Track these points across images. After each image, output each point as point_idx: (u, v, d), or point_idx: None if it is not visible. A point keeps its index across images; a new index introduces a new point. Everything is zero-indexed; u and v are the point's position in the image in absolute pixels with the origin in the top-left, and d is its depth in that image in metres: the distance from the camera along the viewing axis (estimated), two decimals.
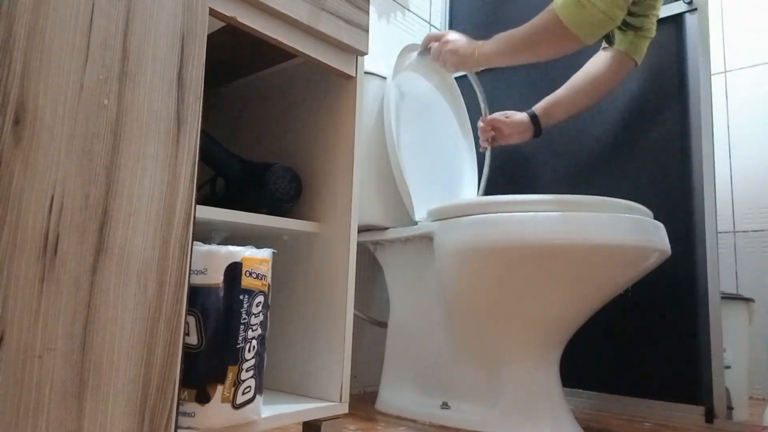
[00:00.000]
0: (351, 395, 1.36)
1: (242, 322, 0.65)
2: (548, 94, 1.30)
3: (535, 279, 0.95)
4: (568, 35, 1.01)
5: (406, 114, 1.27)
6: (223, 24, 0.79)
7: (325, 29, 0.78)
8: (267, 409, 0.72)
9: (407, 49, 1.28)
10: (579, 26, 0.99)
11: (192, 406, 0.62)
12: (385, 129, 1.19)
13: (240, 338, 0.64)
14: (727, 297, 1.26)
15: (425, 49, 1.24)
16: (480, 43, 1.14)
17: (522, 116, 1.30)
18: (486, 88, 1.61)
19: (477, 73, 1.39)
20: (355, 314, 1.34)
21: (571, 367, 1.32)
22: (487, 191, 1.51)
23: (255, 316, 0.66)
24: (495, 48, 1.11)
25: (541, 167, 1.46)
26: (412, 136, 1.27)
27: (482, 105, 1.38)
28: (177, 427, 0.58)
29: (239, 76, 1.02)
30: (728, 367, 1.23)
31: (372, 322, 1.36)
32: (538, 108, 1.30)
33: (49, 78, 0.50)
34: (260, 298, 0.67)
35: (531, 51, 1.08)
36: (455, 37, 1.18)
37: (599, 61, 1.26)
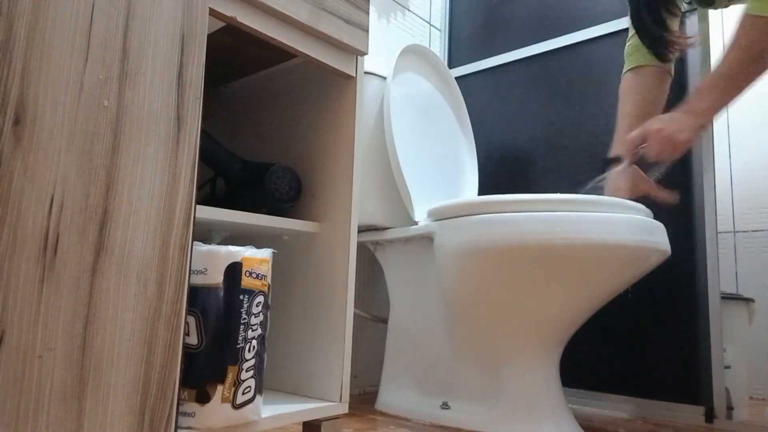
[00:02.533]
0: (351, 395, 1.36)
1: (242, 322, 0.65)
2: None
3: (535, 279, 0.95)
4: None
5: (407, 114, 1.27)
6: (223, 24, 0.79)
7: (325, 29, 0.78)
8: (267, 409, 0.72)
9: (407, 49, 1.28)
10: None
11: (192, 406, 0.62)
12: (385, 129, 1.19)
13: (240, 338, 0.64)
14: (727, 297, 1.26)
15: (631, 158, 1.05)
16: (688, 108, 0.99)
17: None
18: (487, 87, 1.61)
19: None
20: (355, 312, 1.34)
21: (571, 367, 1.32)
22: (486, 192, 1.52)
23: (255, 316, 0.66)
24: (712, 96, 0.97)
25: (541, 167, 1.46)
26: (413, 136, 1.27)
27: None
28: (177, 427, 0.58)
29: (239, 76, 1.02)
30: (728, 367, 1.23)
31: (373, 319, 1.36)
32: None
33: (49, 78, 0.50)
34: (260, 298, 0.67)
35: (758, 65, 0.94)
36: (661, 120, 1.01)
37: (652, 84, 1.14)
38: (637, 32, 1.13)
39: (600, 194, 1.07)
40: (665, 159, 1.02)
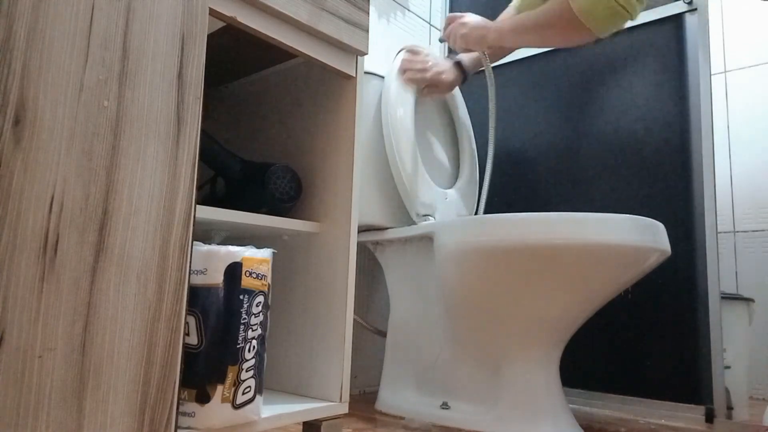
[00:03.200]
0: (351, 395, 1.36)
1: (242, 322, 0.65)
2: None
3: (535, 279, 0.95)
4: (580, 27, 0.95)
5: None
6: (223, 24, 0.79)
7: (325, 29, 0.78)
8: (267, 409, 0.72)
9: (407, 49, 1.28)
10: (592, 18, 0.93)
11: (192, 406, 0.62)
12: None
13: (240, 338, 0.64)
14: (727, 297, 1.26)
15: (445, 33, 1.25)
16: (494, 22, 1.13)
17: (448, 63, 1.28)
18: (486, 88, 1.61)
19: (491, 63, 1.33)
20: (354, 319, 1.34)
21: (571, 367, 1.32)
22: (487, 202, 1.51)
23: (255, 316, 0.66)
24: (506, 26, 1.10)
25: (540, 167, 1.46)
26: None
27: (491, 90, 1.31)
28: (177, 427, 0.58)
29: (239, 76, 1.02)
30: (728, 367, 1.23)
31: (372, 330, 1.36)
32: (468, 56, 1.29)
33: (49, 78, 0.50)
34: (260, 298, 0.67)
35: (540, 36, 1.04)
36: (471, 18, 1.17)
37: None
38: None
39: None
40: (450, 44, 1.23)
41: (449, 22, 1.22)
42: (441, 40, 1.30)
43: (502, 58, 1.32)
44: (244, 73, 1.01)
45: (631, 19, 0.95)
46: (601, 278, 0.95)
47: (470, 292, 1.03)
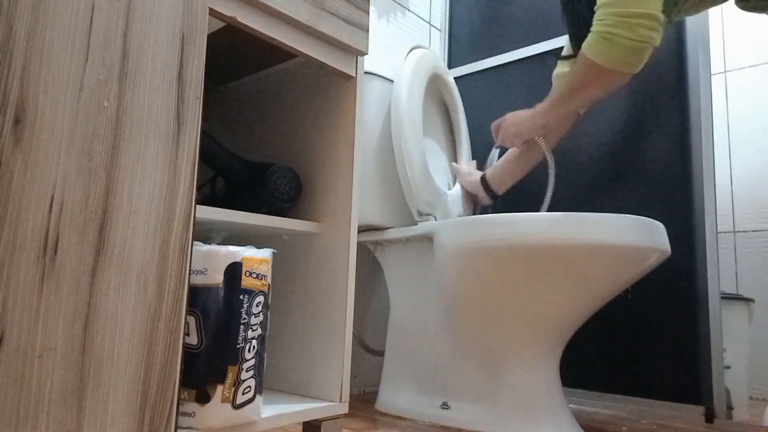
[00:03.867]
0: (351, 395, 1.36)
1: (242, 322, 0.65)
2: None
3: (535, 279, 0.95)
4: (609, 73, 0.98)
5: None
6: (223, 24, 0.79)
7: (325, 29, 0.78)
8: (267, 409, 0.72)
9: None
10: (614, 62, 0.96)
11: (192, 406, 0.62)
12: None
13: (240, 338, 0.64)
14: (727, 297, 1.26)
15: (498, 141, 1.24)
16: (537, 107, 1.14)
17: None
18: (486, 88, 1.61)
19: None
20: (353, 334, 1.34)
21: (571, 367, 1.32)
22: None
23: (255, 316, 0.66)
24: (548, 105, 1.11)
25: (540, 167, 1.46)
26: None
27: (551, 171, 1.26)
28: (177, 427, 0.58)
29: (239, 76, 1.02)
30: (728, 367, 1.23)
31: (369, 351, 1.37)
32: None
33: (49, 78, 0.50)
34: (260, 298, 0.67)
35: (581, 97, 1.06)
36: (513, 116, 1.18)
37: None
38: (570, 17, 1.15)
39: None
40: (507, 146, 1.23)
41: (495, 130, 1.23)
42: (497, 148, 1.30)
43: (564, 132, 1.25)
44: (244, 73, 1.01)
45: (655, 45, 0.96)
46: (601, 278, 0.95)
47: (470, 292, 1.03)
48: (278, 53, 0.91)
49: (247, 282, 0.66)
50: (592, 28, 0.97)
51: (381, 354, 1.32)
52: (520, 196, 1.48)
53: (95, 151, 0.53)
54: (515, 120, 1.18)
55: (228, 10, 0.66)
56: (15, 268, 0.47)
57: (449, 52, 1.75)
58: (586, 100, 1.08)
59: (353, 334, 1.33)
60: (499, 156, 1.33)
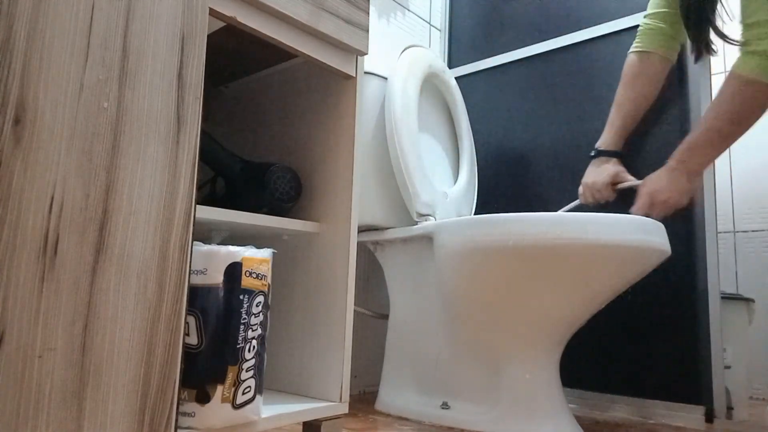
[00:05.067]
0: (351, 395, 1.36)
1: (242, 322, 0.65)
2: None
3: (535, 279, 0.95)
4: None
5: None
6: (223, 24, 0.79)
7: (325, 29, 0.78)
8: (267, 409, 0.72)
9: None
10: None
11: (192, 406, 0.62)
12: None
13: (240, 338, 0.64)
14: (727, 297, 1.26)
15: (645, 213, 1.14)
16: (677, 165, 1.06)
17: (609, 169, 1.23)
18: (487, 87, 1.61)
19: None
20: (355, 310, 1.34)
21: (571, 367, 1.32)
22: (485, 192, 1.51)
23: (255, 316, 0.66)
24: (702, 152, 1.04)
25: (540, 167, 1.46)
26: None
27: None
28: (177, 427, 0.58)
29: (239, 76, 1.02)
30: (728, 367, 1.23)
31: (374, 315, 1.36)
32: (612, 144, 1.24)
33: (49, 78, 0.50)
34: (260, 298, 0.67)
35: (743, 127, 1.00)
36: (657, 188, 1.09)
37: (653, 74, 1.20)
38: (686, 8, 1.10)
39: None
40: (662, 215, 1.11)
41: (644, 213, 1.12)
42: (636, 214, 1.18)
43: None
44: (244, 73, 1.01)
45: None
46: (602, 278, 0.95)
47: (470, 292, 1.03)
48: (278, 53, 0.91)
49: (247, 282, 0.66)
50: (748, 48, 0.93)
51: (385, 317, 1.32)
52: (521, 196, 1.48)
53: (95, 150, 0.53)
54: (672, 190, 1.07)
55: (228, 10, 0.66)
56: (15, 268, 0.47)
57: (449, 52, 1.75)
58: (744, 131, 1.00)
59: (360, 310, 1.33)
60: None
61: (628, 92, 1.23)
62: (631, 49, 1.24)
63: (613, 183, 1.24)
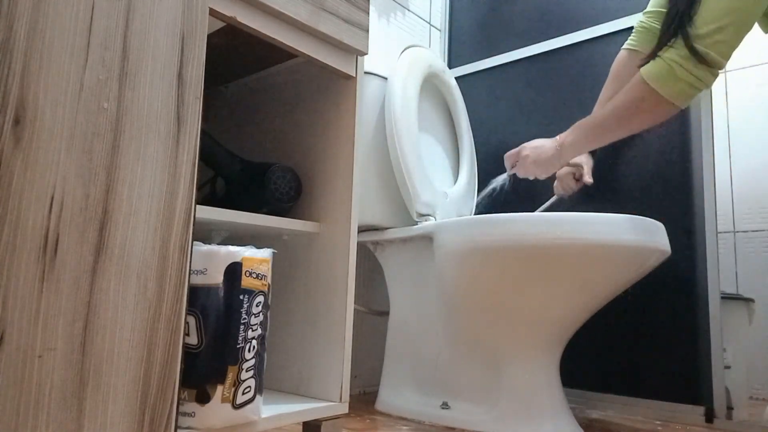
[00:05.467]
0: (351, 395, 1.36)
1: (242, 322, 0.65)
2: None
3: (535, 279, 0.95)
4: (665, 104, 0.96)
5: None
6: (223, 24, 0.79)
7: (325, 29, 0.78)
8: (267, 409, 0.72)
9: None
10: (675, 95, 0.94)
11: (192, 406, 0.62)
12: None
13: (240, 338, 0.64)
14: (727, 297, 1.26)
15: (511, 171, 1.22)
16: (559, 139, 1.11)
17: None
18: (487, 87, 1.61)
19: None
20: (355, 308, 1.34)
21: (571, 367, 1.32)
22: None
23: (255, 316, 0.66)
24: (580, 135, 1.08)
25: None
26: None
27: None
28: (177, 427, 0.58)
29: (239, 76, 1.02)
30: (728, 367, 1.23)
31: (373, 313, 1.36)
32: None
33: (49, 78, 0.50)
34: (260, 298, 0.67)
35: (625, 127, 1.02)
36: (532, 145, 1.15)
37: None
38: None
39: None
40: (530, 177, 1.18)
41: (511, 159, 1.20)
42: (510, 176, 1.27)
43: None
44: (244, 73, 1.01)
45: (707, 88, 0.95)
46: (601, 278, 0.95)
47: (470, 292, 1.03)
48: (278, 53, 0.91)
49: (247, 282, 0.66)
50: (659, 53, 0.94)
51: (386, 314, 1.32)
52: (521, 196, 1.48)
53: (95, 150, 0.53)
54: (535, 152, 1.14)
55: (228, 10, 0.66)
56: (15, 268, 0.47)
57: (449, 52, 1.75)
58: (627, 131, 1.03)
59: (360, 309, 1.34)
60: (510, 184, 1.30)
61: (609, 88, 1.24)
62: (624, 46, 1.24)
63: (575, 175, 1.27)
